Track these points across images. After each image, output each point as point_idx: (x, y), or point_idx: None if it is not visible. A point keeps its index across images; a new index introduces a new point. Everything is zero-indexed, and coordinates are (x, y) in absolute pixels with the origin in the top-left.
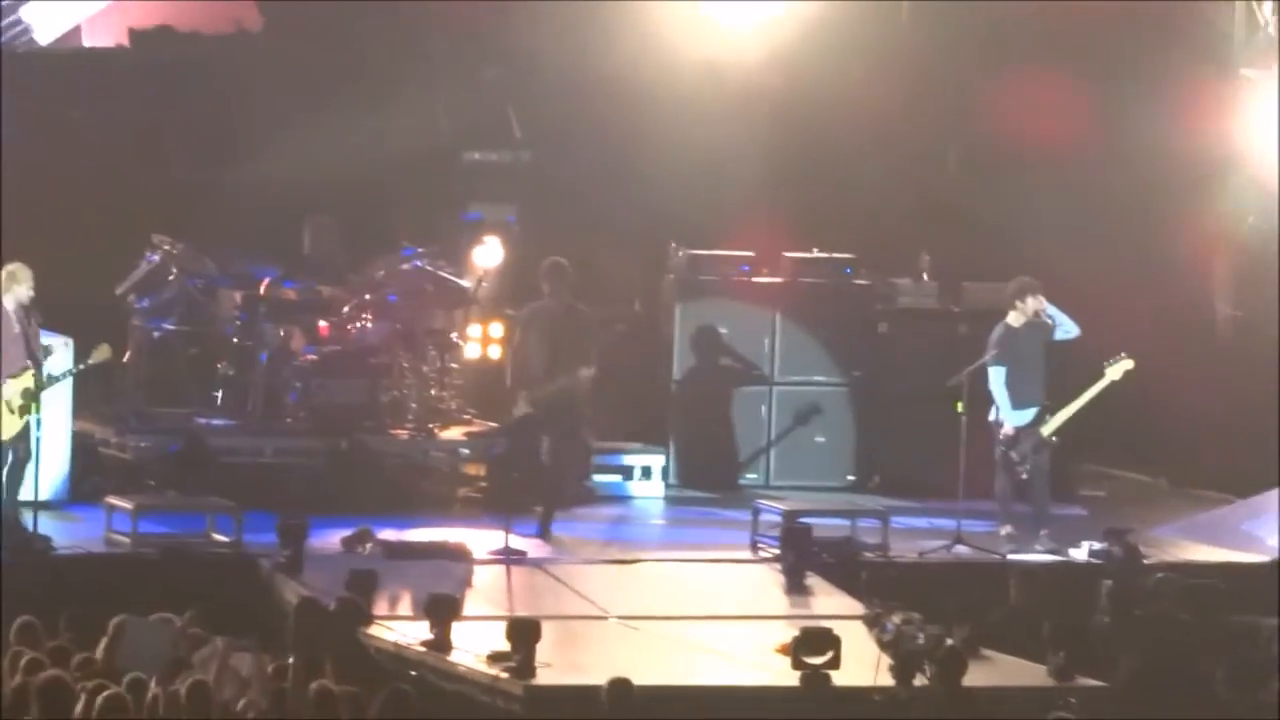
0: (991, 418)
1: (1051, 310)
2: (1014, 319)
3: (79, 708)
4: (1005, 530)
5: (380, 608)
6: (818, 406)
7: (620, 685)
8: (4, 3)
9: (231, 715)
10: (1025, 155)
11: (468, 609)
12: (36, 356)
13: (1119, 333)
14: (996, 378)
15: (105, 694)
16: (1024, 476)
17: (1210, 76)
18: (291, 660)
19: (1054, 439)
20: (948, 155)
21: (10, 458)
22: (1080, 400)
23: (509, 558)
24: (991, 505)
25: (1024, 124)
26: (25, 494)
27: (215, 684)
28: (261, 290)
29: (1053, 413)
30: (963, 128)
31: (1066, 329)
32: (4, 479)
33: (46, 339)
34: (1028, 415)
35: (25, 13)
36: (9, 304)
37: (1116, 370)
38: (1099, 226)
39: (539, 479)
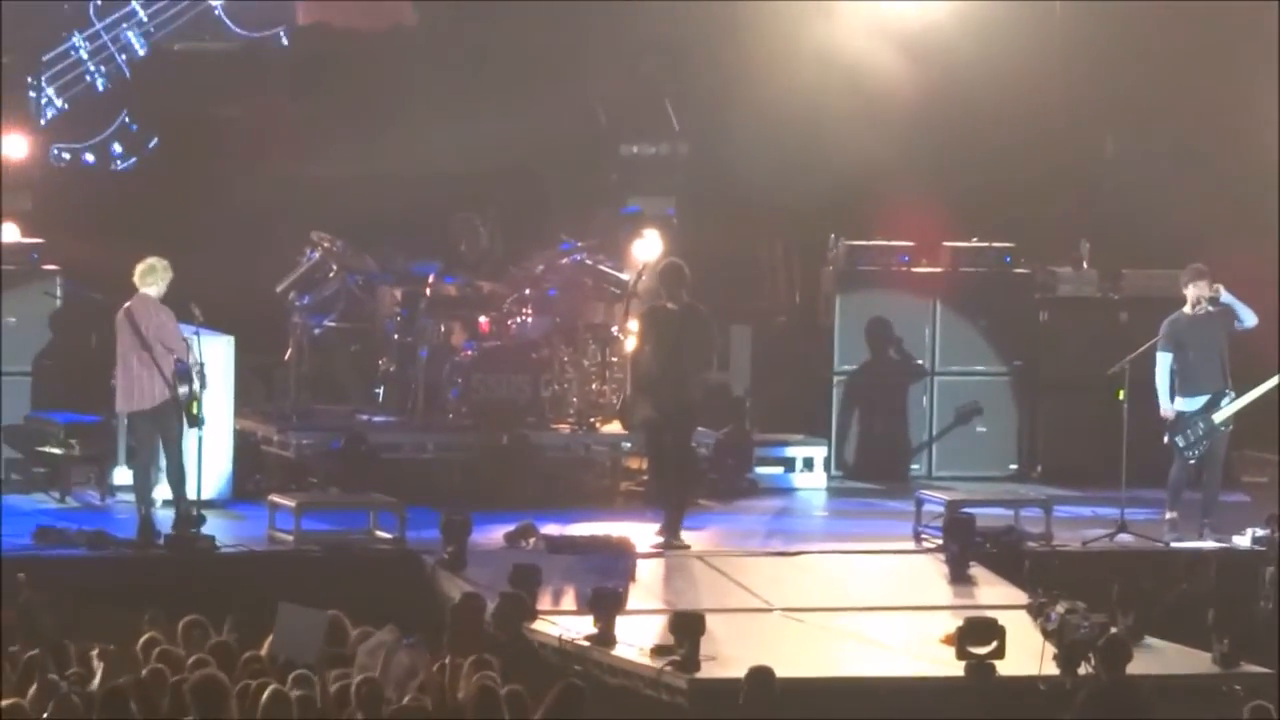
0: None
1: (1227, 298)
2: (1187, 307)
3: (243, 706)
4: (1170, 517)
5: (544, 602)
6: (979, 406)
7: (760, 674)
8: None
9: (397, 711)
10: (1182, 139)
11: (631, 603)
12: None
13: (1270, 318)
14: (1159, 364)
15: (269, 690)
16: (1191, 463)
17: None
18: (451, 656)
19: (1227, 427)
20: (1105, 142)
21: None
22: (1258, 390)
23: (672, 551)
24: (1155, 493)
25: (1181, 105)
26: (190, 493)
27: (381, 678)
28: (423, 287)
29: (1231, 400)
30: (1120, 112)
31: (1243, 318)
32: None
33: (209, 337)
34: (1198, 402)
35: None
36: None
37: None
38: (1257, 208)
39: (663, 484)
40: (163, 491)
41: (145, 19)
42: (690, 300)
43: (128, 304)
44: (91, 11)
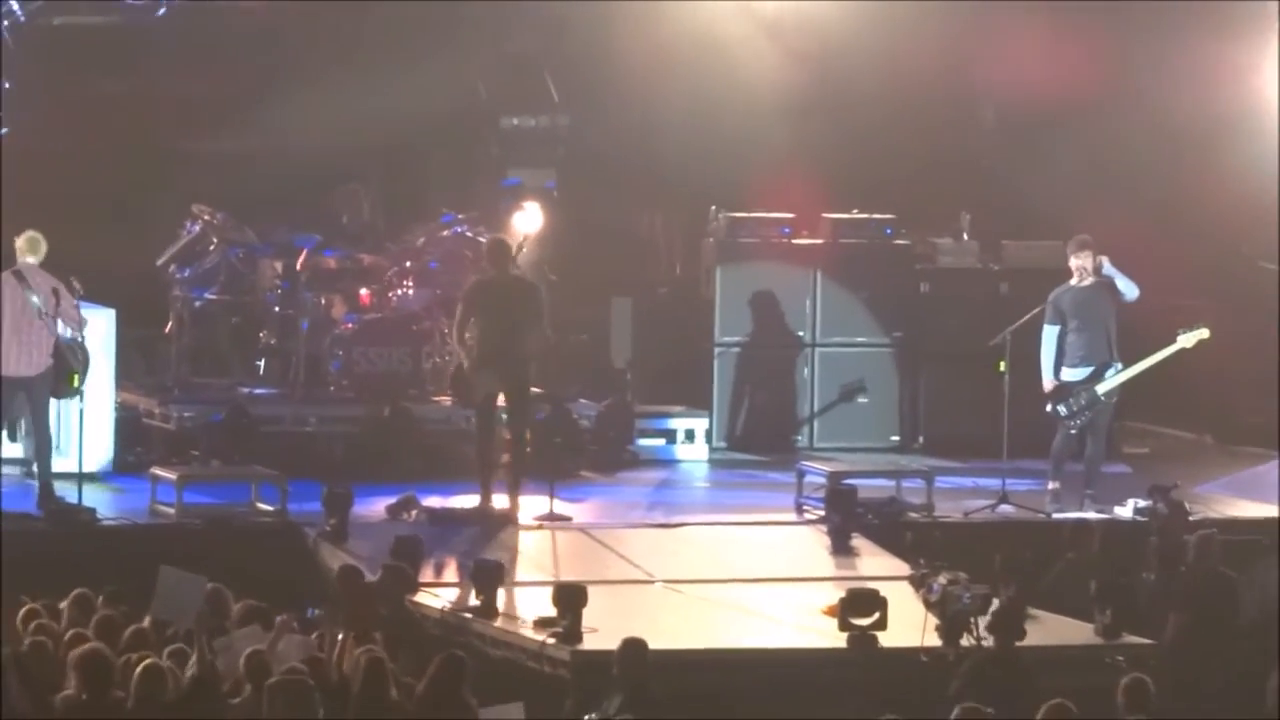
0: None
1: (1109, 270)
2: (1073, 279)
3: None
4: (1052, 487)
5: (426, 575)
6: (862, 385)
7: (633, 645)
8: None
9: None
10: (1061, 111)
11: (514, 574)
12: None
13: (1158, 290)
14: (1045, 337)
15: (144, 664)
16: (1072, 433)
17: (1247, 24)
18: (332, 629)
19: (1111, 398)
20: (985, 113)
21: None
22: (1143, 363)
23: (554, 522)
24: (1036, 464)
25: (1059, 79)
26: (69, 466)
27: (269, 653)
28: (302, 259)
29: (1117, 371)
30: (999, 85)
31: (1124, 291)
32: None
33: (87, 311)
34: (1083, 373)
35: None
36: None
37: (1190, 338)
38: (1135, 181)
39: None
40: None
41: None
42: (516, 272)
43: (15, 270)
44: None
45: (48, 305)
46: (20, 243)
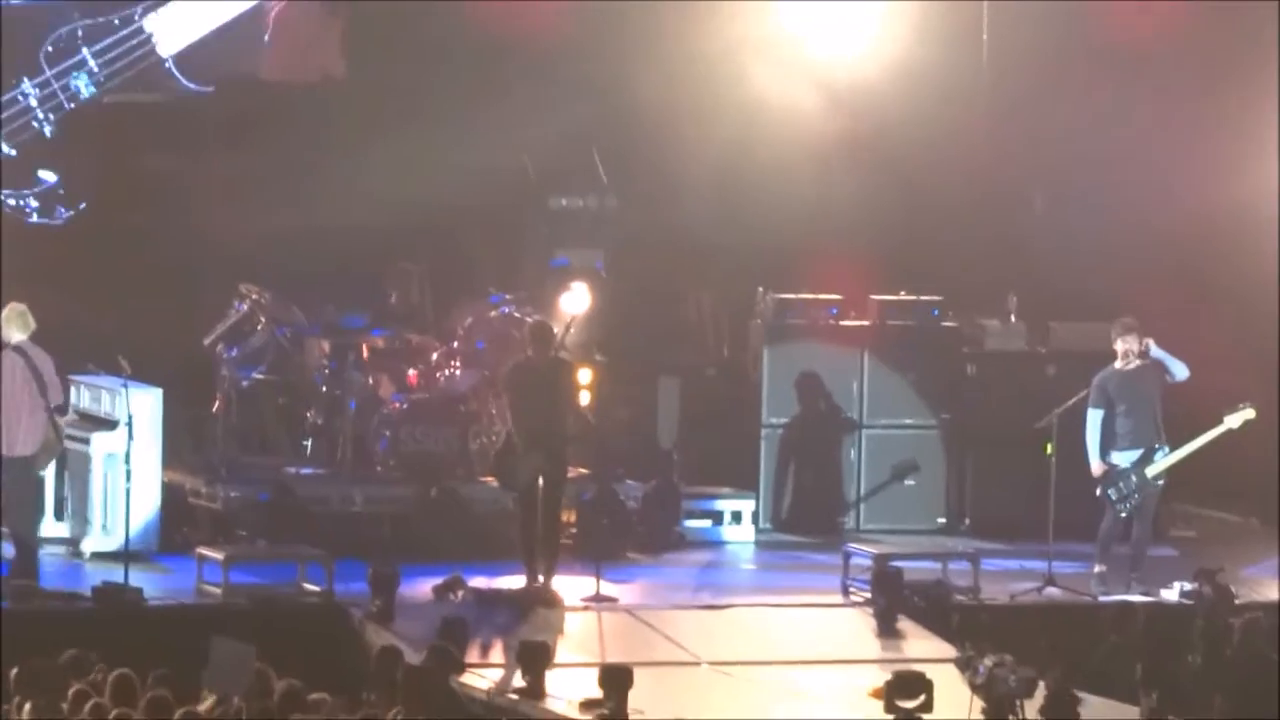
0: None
1: (1157, 353)
2: (1117, 361)
3: None
4: (1098, 570)
5: (472, 655)
6: (915, 464)
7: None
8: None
9: None
10: (1110, 192)
11: (560, 656)
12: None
13: (1203, 371)
14: (1089, 421)
15: None
16: (1122, 515)
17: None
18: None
19: (1159, 481)
20: (1033, 196)
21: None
22: (1191, 445)
23: (600, 604)
24: (1082, 547)
25: (1109, 160)
26: (115, 545)
27: None
28: (351, 339)
29: (1165, 454)
30: (1047, 168)
31: (1174, 372)
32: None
33: (134, 390)
34: (1131, 456)
35: (148, 22)
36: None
37: (1237, 419)
38: (1183, 261)
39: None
40: (96, 543)
41: (96, 68)
42: (555, 355)
43: (16, 347)
44: (42, 58)
45: (52, 382)
46: (11, 317)
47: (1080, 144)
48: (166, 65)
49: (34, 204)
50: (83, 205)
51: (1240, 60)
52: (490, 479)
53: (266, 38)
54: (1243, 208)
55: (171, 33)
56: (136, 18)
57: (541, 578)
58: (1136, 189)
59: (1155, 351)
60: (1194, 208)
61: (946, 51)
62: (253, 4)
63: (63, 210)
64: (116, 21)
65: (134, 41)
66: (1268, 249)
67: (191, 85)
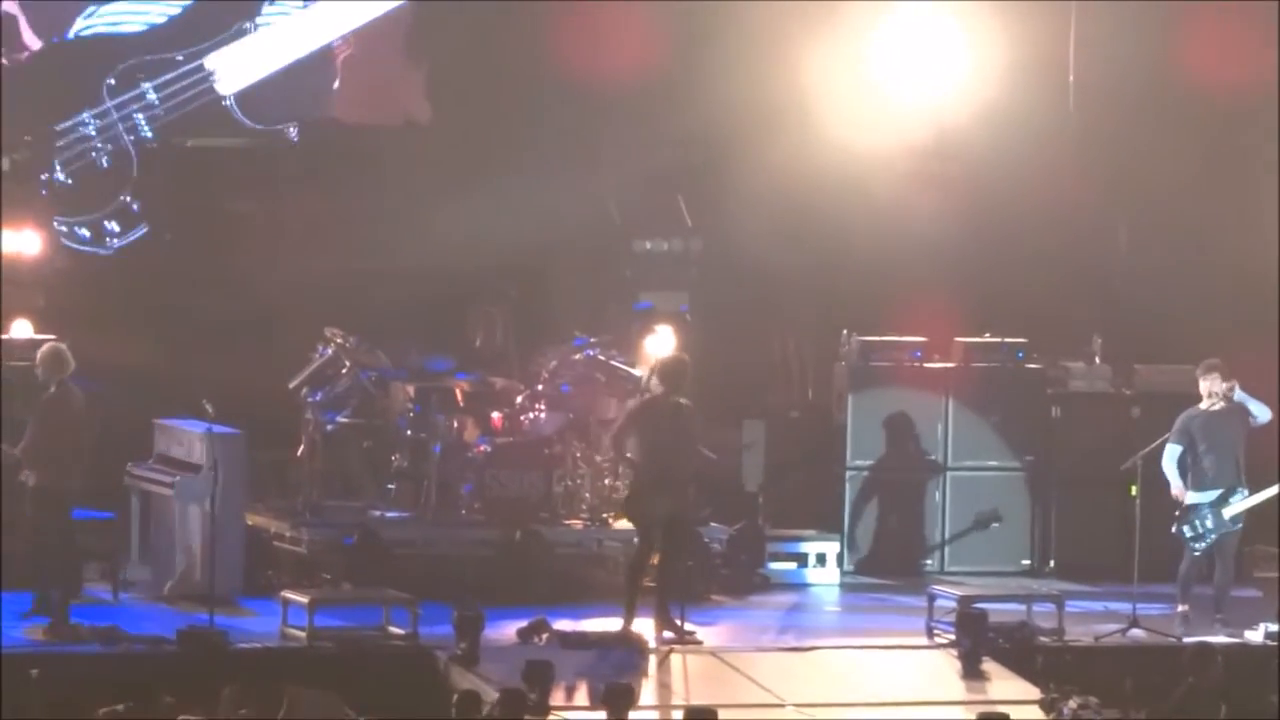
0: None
1: (1241, 396)
2: (1202, 402)
3: None
4: (1181, 610)
5: (557, 698)
6: (998, 515)
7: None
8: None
9: None
10: (1195, 233)
11: (644, 698)
12: None
13: None
14: (1167, 455)
15: None
16: (1196, 555)
17: None
18: None
19: (1237, 523)
20: (1119, 236)
21: None
22: (1272, 490)
23: (685, 646)
24: (1167, 589)
25: (1194, 200)
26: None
27: None
28: (437, 383)
29: (1244, 496)
30: (1133, 208)
31: (1257, 414)
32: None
33: (218, 433)
34: (1209, 496)
35: (209, 60)
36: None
37: None
38: (1265, 305)
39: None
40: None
41: (156, 102)
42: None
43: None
44: (105, 90)
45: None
46: (57, 357)
47: (1164, 188)
48: (226, 103)
49: (86, 233)
50: (142, 231)
51: None
52: (576, 521)
53: (336, 83)
54: None
55: (233, 71)
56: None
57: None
58: (1221, 230)
59: (1239, 395)
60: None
61: (1032, 93)
62: (315, 48)
63: (115, 234)
64: (180, 58)
65: (195, 78)
66: None
67: (254, 125)
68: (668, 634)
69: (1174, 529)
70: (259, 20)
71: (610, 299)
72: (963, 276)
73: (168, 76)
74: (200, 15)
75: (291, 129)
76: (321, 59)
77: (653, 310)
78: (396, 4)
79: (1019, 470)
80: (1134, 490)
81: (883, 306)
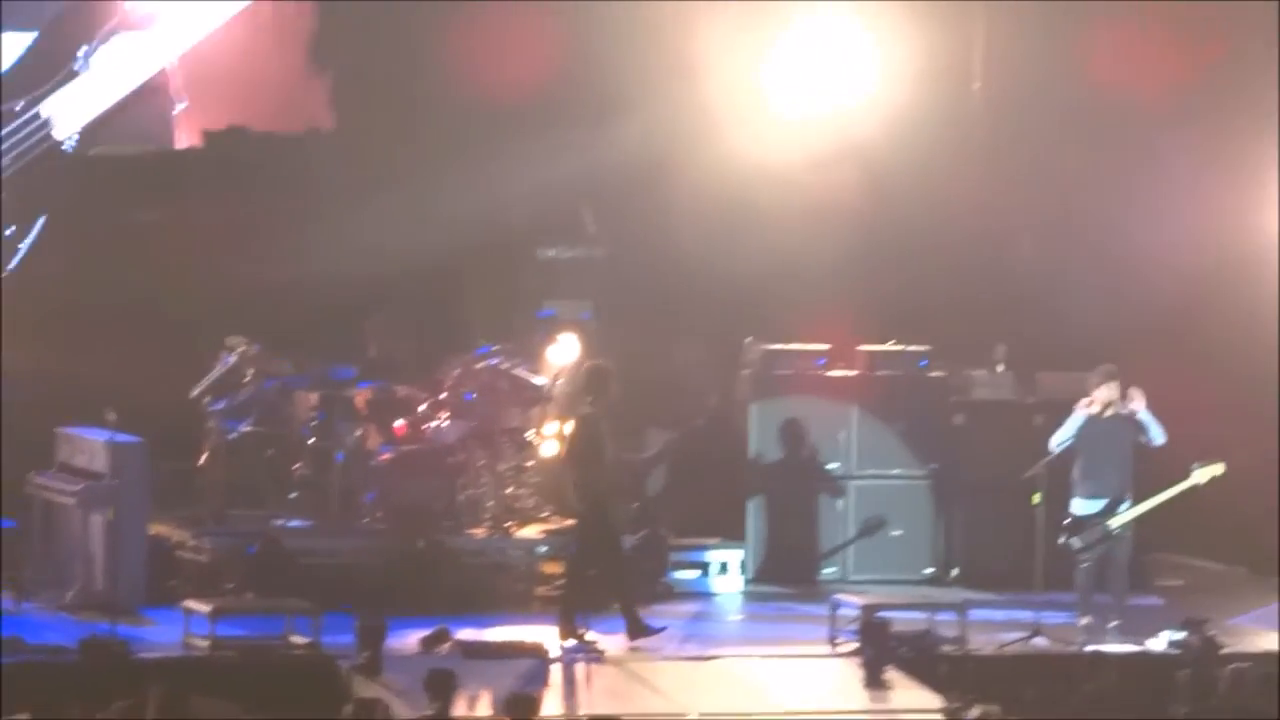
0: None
1: (1144, 416)
2: (1095, 407)
3: None
4: (1084, 621)
5: (460, 708)
6: (882, 520)
7: None
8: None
9: None
10: (1099, 242)
11: (546, 708)
12: None
13: (1191, 418)
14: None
15: None
16: (1084, 564)
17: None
18: None
19: (1126, 531)
20: (1022, 245)
21: None
22: (1157, 498)
23: (588, 655)
24: (1070, 597)
25: (1098, 210)
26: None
27: None
28: (339, 391)
29: (1129, 505)
30: (1037, 217)
31: (1152, 436)
32: None
33: (120, 441)
34: (1096, 505)
35: (44, 107)
36: None
37: (1204, 474)
38: (1170, 311)
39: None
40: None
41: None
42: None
43: None
44: None
45: None
46: None
47: (1070, 195)
48: (65, 147)
49: None
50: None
51: (1234, 115)
52: (478, 530)
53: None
54: (1231, 260)
55: (67, 114)
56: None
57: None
58: (1125, 240)
59: (1143, 414)
60: (1181, 260)
61: (938, 101)
62: (147, 77)
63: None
64: (18, 108)
65: (32, 127)
66: (1255, 302)
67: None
68: (570, 642)
69: (1061, 540)
70: (89, 58)
71: (514, 307)
72: (867, 285)
73: (11, 126)
74: (36, 60)
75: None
76: (158, 86)
77: (556, 318)
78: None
79: (923, 478)
80: (1037, 498)
81: (786, 315)
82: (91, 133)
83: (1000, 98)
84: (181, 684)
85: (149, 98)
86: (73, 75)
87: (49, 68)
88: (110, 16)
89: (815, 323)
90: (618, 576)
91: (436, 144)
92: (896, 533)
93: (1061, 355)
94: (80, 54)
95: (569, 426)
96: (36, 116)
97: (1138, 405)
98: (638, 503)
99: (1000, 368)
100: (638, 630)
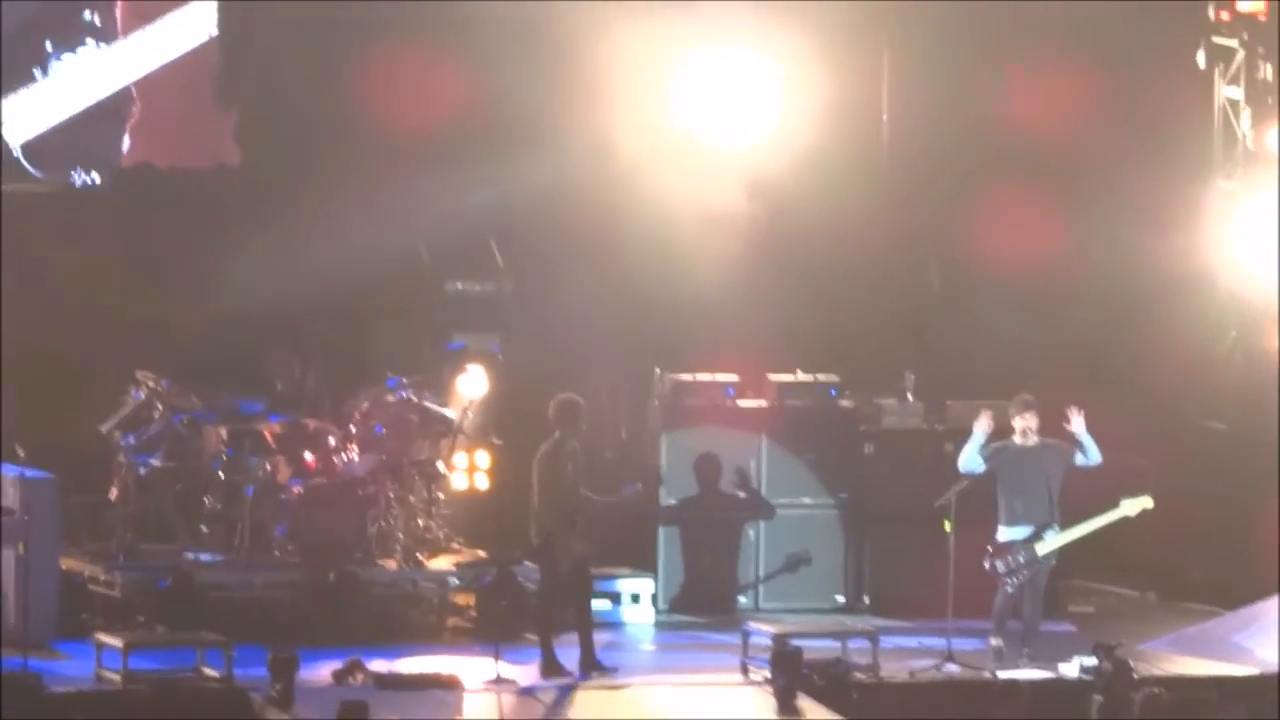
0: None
1: (1083, 435)
2: (1016, 437)
3: None
4: (994, 644)
5: None
6: (808, 557)
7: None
8: None
9: None
10: (1006, 272)
11: None
12: None
13: (1104, 445)
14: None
15: None
16: (1009, 590)
17: (1188, 190)
18: None
19: (1050, 559)
20: (930, 275)
21: None
22: (1084, 527)
23: (500, 686)
24: (982, 624)
25: (1004, 241)
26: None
27: None
28: (248, 425)
29: (1056, 533)
30: (945, 247)
31: (1089, 455)
32: None
33: (30, 477)
34: (1021, 532)
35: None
36: None
37: (1134, 506)
38: (1080, 341)
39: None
40: None
41: None
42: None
43: None
44: None
45: None
46: None
47: (978, 226)
48: (14, 155)
49: None
50: None
51: (1145, 143)
52: (389, 562)
53: (126, 134)
54: (1143, 289)
55: (21, 119)
56: None
57: (576, 659)
58: (1033, 269)
59: (1081, 434)
60: (1092, 289)
61: (846, 132)
62: (107, 94)
63: None
64: None
65: None
66: (1164, 329)
67: (38, 174)
68: (594, 673)
69: (986, 565)
70: (51, 66)
71: (423, 339)
72: (775, 315)
73: None
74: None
75: (86, 174)
76: (112, 106)
77: (465, 350)
78: (188, 49)
79: (833, 507)
80: (948, 526)
81: (695, 346)
82: (39, 146)
83: (907, 130)
84: (95, 717)
85: (103, 120)
86: (31, 80)
87: (11, 68)
88: (77, 25)
89: (724, 353)
90: (545, 610)
91: (344, 177)
92: (802, 565)
93: (970, 384)
94: (45, 59)
95: (536, 455)
96: None
97: (1078, 425)
98: (587, 542)
99: (909, 396)
100: (551, 668)
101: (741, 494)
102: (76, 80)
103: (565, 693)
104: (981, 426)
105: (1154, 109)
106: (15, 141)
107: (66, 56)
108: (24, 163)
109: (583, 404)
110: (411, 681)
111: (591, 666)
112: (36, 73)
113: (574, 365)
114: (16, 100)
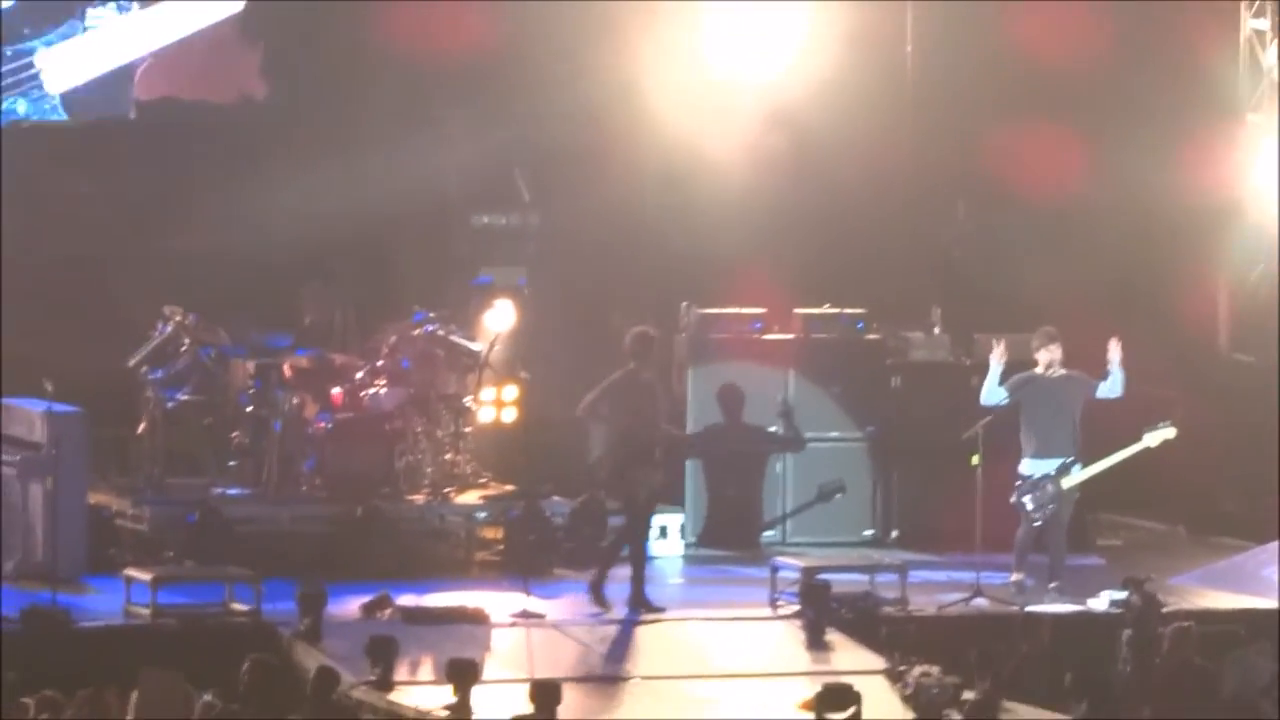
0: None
1: (1117, 370)
2: (1039, 369)
3: None
4: (1016, 578)
5: (401, 673)
6: (842, 485)
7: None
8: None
9: None
10: (1033, 205)
11: (488, 673)
12: None
13: (1132, 379)
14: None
15: None
16: (1036, 524)
17: (1215, 122)
18: None
19: (1075, 493)
20: (957, 207)
21: None
22: (1110, 460)
23: (528, 620)
24: (1009, 557)
25: (1031, 173)
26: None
27: None
28: (276, 360)
29: (1081, 466)
30: (971, 179)
31: (1114, 388)
32: None
33: (58, 411)
34: (1047, 465)
35: (39, 58)
36: None
37: (1156, 437)
38: (1107, 274)
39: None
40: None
41: None
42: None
43: None
44: None
45: None
46: None
47: (1005, 158)
48: (52, 105)
49: None
50: None
51: (1175, 79)
52: (418, 496)
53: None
54: (1174, 223)
55: (61, 71)
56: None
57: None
58: (1059, 202)
59: (1116, 364)
60: (1122, 222)
61: (870, 64)
62: (148, 52)
63: None
64: (10, 53)
65: (22, 75)
66: (1190, 262)
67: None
68: (646, 614)
69: (1013, 499)
70: (89, 20)
71: (449, 274)
72: (802, 249)
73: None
74: (32, 10)
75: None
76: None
77: (491, 285)
78: (232, 8)
79: (860, 441)
80: (975, 459)
81: (722, 279)
82: (73, 96)
83: (932, 61)
84: (122, 652)
85: (126, 74)
86: (73, 31)
87: (47, 16)
88: None
89: (751, 287)
90: (635, 543)
91: (370, 112)
92: (837, 495)
93: (998, 317)
94: (83, 13)
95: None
96: (30, 65)
97: (1114, 356)
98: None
99: (936, 330)
100: (598, 598)
101: (778, 427)
102: (116, 36)
103: (594, 627)
104: (997, 357)
105: (1181, 40)
106: (55, 91)
107: (100, 9)
108: (61, 110)
109: (656, 336)
110: (439, 615)
111: (640, 604)
112: (79, 25)
113: (599, 299)
114: (58, 52)
